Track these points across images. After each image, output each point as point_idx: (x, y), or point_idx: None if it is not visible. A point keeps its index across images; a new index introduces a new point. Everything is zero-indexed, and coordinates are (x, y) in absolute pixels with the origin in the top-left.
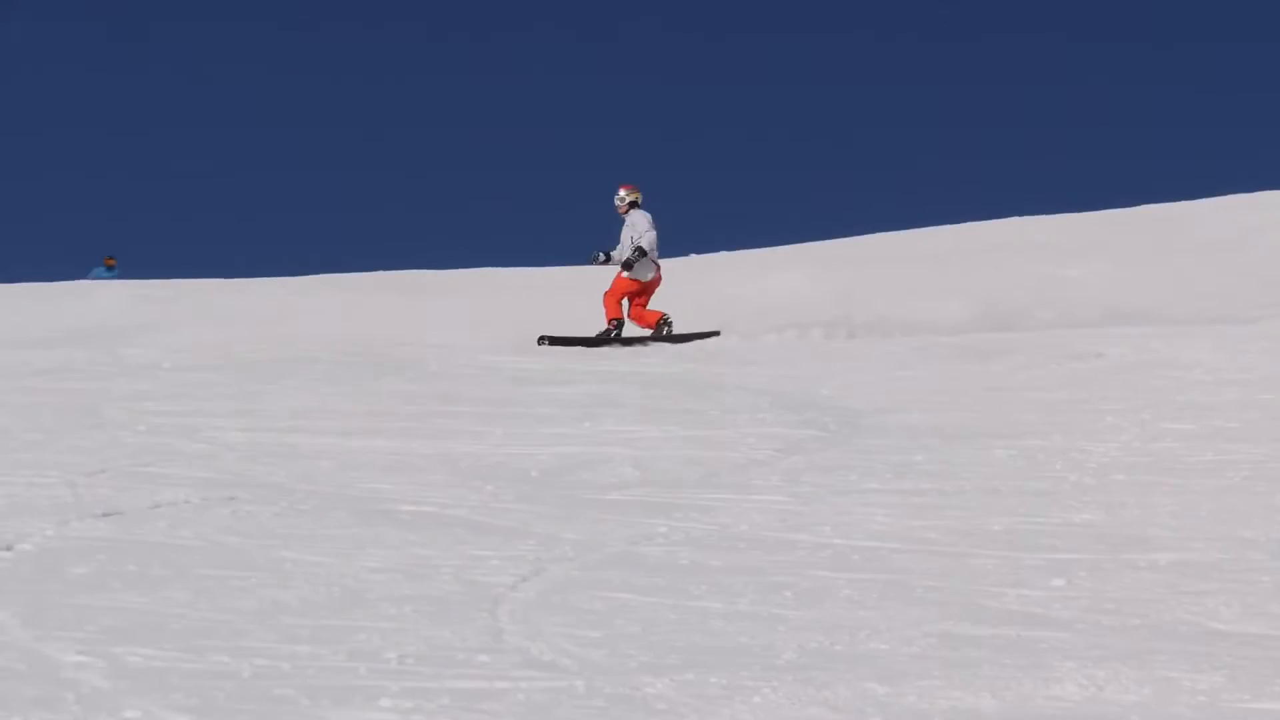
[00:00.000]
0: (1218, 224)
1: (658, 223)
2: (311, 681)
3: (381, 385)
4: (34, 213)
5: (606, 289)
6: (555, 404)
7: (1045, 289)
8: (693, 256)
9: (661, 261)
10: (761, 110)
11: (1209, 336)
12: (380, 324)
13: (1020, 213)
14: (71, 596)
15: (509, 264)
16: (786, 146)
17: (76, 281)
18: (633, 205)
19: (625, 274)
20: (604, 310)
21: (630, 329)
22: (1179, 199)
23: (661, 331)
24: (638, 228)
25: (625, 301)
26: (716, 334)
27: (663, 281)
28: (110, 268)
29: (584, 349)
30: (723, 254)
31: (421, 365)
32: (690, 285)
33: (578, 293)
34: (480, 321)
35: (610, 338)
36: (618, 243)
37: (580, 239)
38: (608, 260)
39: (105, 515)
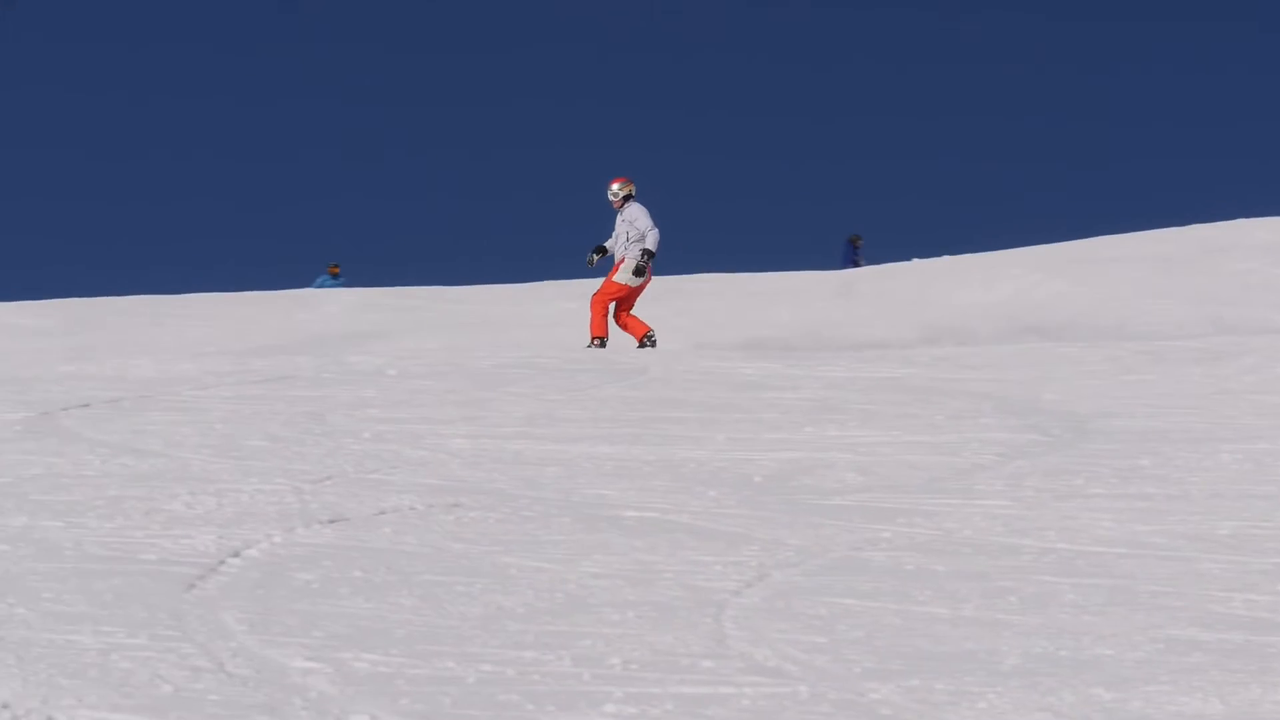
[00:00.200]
0: None
1: (655, 214)
2: (536, 687)
3: (604, 391)
4: (260, 222)
5: (595, 291)
6: (778, 409)
7: (1273, 291)
8: (915, 261)
9: (870, 267)
10: (983, 104)
11: None
12: None
13: (1246, 214)
14: (298, 602)
15: (733, 269)
16: (1008, 145)
17: (302, 290)
18: (627, 199)
19: (632, 280)
20: (590, 318)
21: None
22: None
23: (644, 345)
24: (639, 224)
25: (612, 305)
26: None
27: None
28: (335, 276)
29: None
30: (945, 258)
31: (644, 371)
32: (912, 290)
33: (799, 298)
34: (702, 326)
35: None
36: (611, 234)
37: (807, 241)
38: (603, 253)
39: (331, 522)
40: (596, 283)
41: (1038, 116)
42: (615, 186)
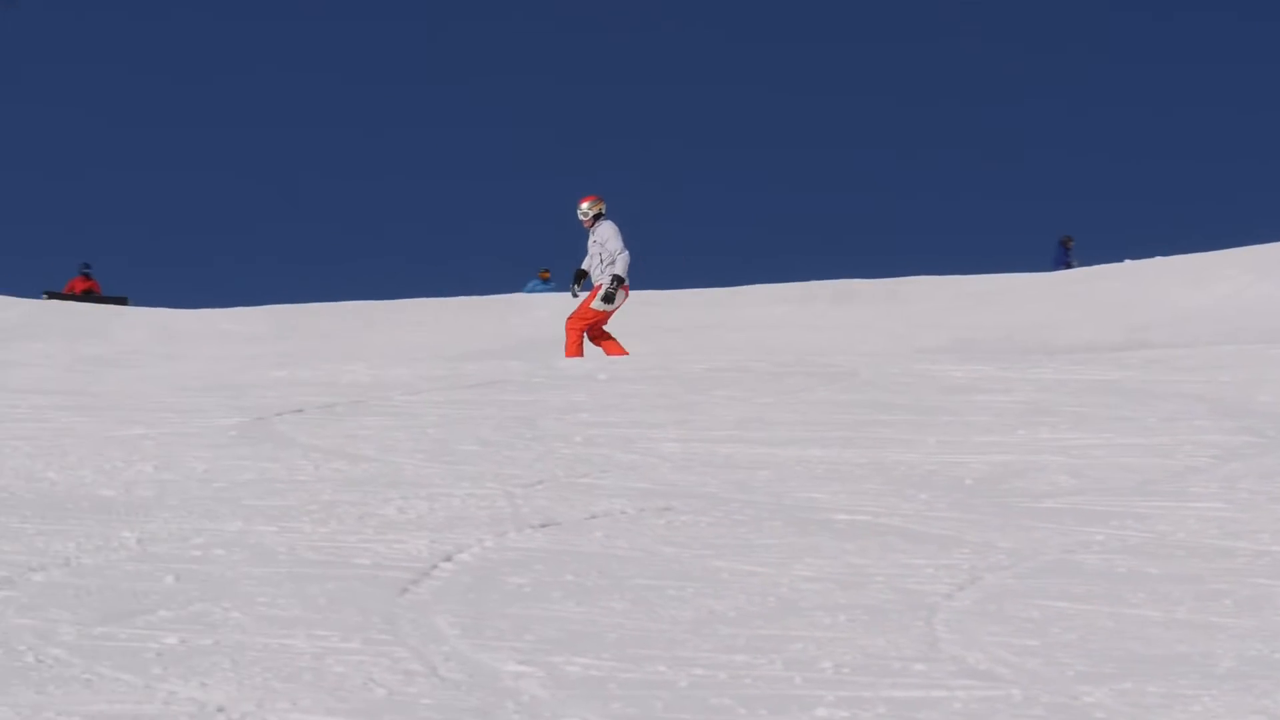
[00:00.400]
0: None
1: (625, 232)
2: (748, 691)
3: (815, 394)
4: (469, 225)
5: (571, 313)
6: (989, 412)
7: None
8: (1127, 262)
9: (1082, 268)
10: (1199, 101)
11: None
12: (813, 333)
13: None
14: (510, 606)
15: (944, 271)
16: (1223, 143)
17: (514, 294)
18: (598, 217)
19: (604, 306)
20: (565, 340)
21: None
22: None
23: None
24: (609, 247)
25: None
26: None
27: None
28: (545, 280)
29: None
30: (1158, 259)
31: (854, 374)
32: (1124, 291)
33: (1010, 300)
34: (913, 329)
35: None
36: (585, 254)
37: (1018, 243)
38: (584, 277)
39: (542, 526)
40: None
41: (1255, 114)
42: (585, 205)
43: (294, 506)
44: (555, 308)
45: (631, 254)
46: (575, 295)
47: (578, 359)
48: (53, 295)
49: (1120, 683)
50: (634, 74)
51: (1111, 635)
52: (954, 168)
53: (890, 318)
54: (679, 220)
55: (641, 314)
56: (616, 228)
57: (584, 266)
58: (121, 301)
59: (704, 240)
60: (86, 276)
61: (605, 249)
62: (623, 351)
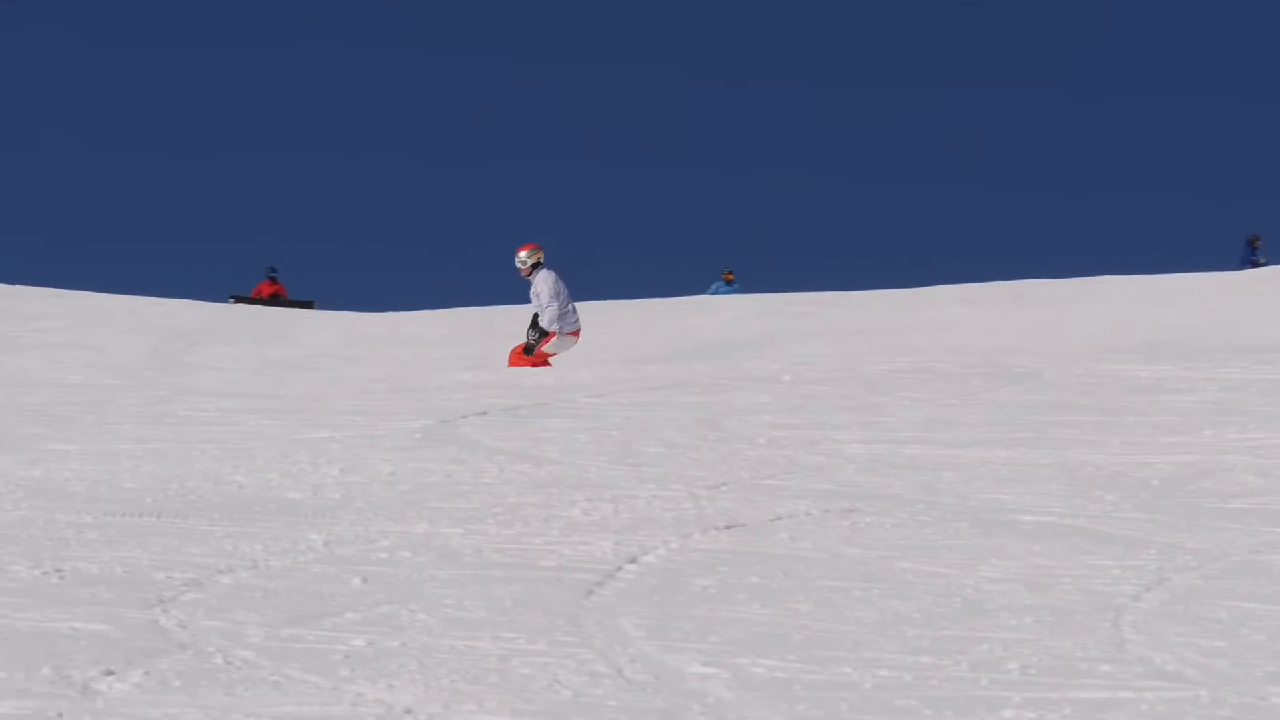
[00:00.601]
0: None
1: (564, 278)
2: (934, 692)
3: (999, 395)
4: (659, 229)
5: (516, 346)
6: (1174, 412)
7: None
8: None
9: (1270, 267)
10: None
11: None
12: (996, 334)
13: None
14: (695, 608)
15: (1130, 271)
16: None
17: (697, 296)
18: (535, 266)
19: (545, 347)
20: (523, 362)
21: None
22: None
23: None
24: (542, 298)
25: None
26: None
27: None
28: (729, 282)
29: None
30: None
31: (1038, 375)
32: None
33: (1196, 299)
34: (1099, 329)
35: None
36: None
37: (1203, 242)
38: (538, 333)
39: (727, 528)
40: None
41: None
42: (523, 254)
43: (479, 509)
44: (739, 309)
45: (560, 305)
46: (529, 340)
47: (522, 369)
48: (240, 299)
49: None
50: (834, 71)
51: None
52: (1135, 165)
53: (1073, 318)
54: (861, 221)
55: (824, 316)
56: (553, 278)
57: (538, 313)
58: (308, 305)
59: (886, 241)
60: (273, 281)
61: (540, 300)
62: (542, 367)
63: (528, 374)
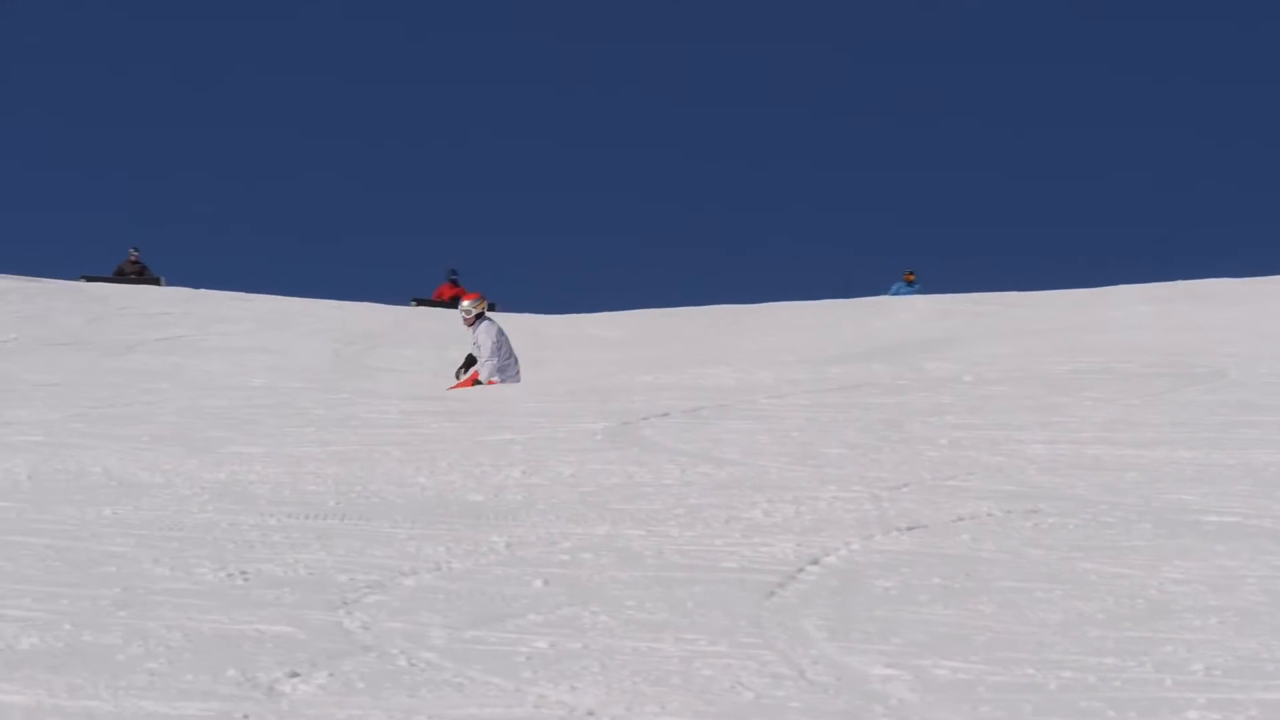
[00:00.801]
0: None
1: (506, 330)
2: (1118, 694)
3: (1182, 395)
4: (839, 229)
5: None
6: None
7: None
8: None
9: None
10: None
11: None
12: (1179, 333)
13: None
14: (877, 609)
15: None
16: None
17: (878, 297)
18: (479, 317)
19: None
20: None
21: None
22: None
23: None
24: (483, 351)
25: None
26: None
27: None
28: (910, 283)
29: None
30: None
31: (1221, 374)
32: None
33: None
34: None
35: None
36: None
37: None
38: (471, 364)
39: (909, 529)
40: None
41: None
42: (467, 304)
43: (661, 510)
44: (920, 310)
45: (501, 359)
46: (458, 377)
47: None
48: (421, 302)
49: None
50: (1020, 63)
51: None
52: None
53: (1257, 318)
54: (1040, 221)
55: (1004, 316)
56: (496, 331)
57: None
58: (489, 307)
59: (1066, 241)
60: (454, 283)
61: (480, 351)
62: (467, 384)
63: (705, 375)
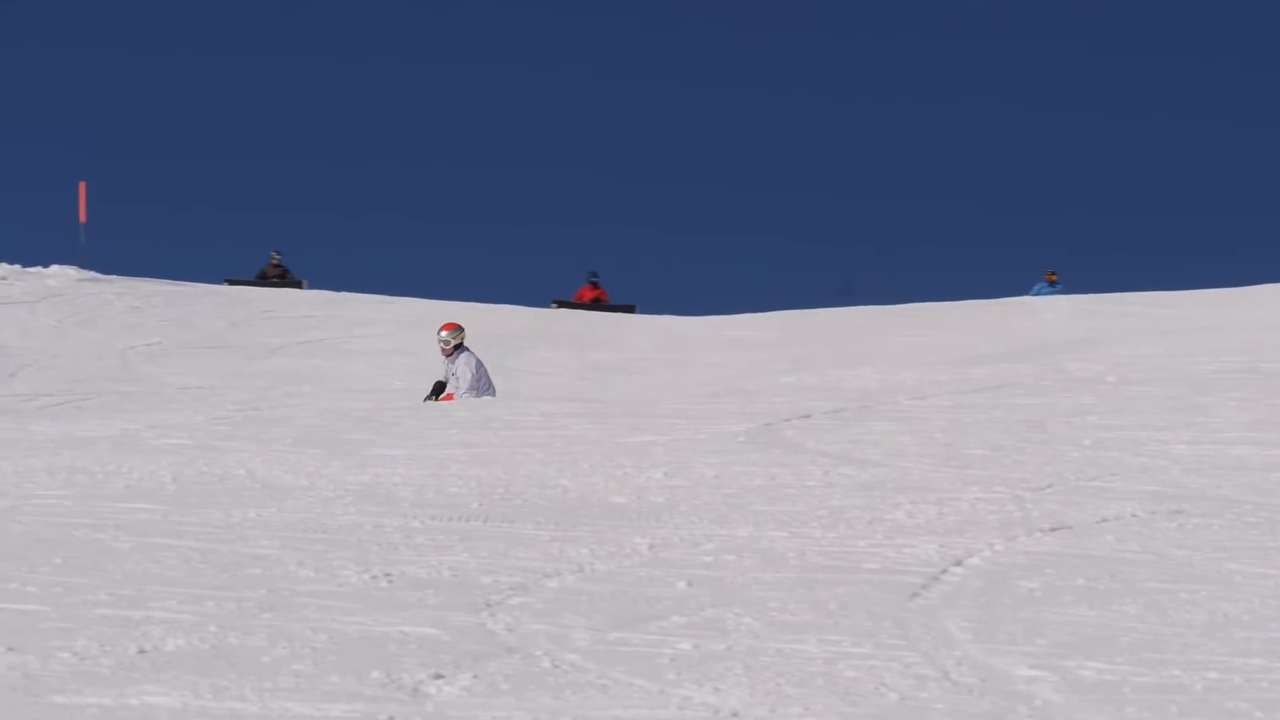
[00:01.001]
0: None
1: (485, 363)
2: (1264, 695)
3: None
4: (981, 229)
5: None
6: None
7: None
8: None
9: None
10: None
11: None
12: None
13: None
14: (1021, 610)
15: None
16: None
17: (1020, 297)
18: (458, 348)
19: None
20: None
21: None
22: None
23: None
24: (461, 384)
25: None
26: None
27: None
28: (1052, 283)
29: None
30: None
31: None
32: None
33: None
34: None
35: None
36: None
37: None
38: (441, 389)
39: (1052, 530)
40: None
41: None
42: (444, 334)
43: (803, 512)
44: (1062, 310)
45: (480, 391)
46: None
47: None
48: (562, 304)
49: None
50: (1175, 56)
51: None
52: None
53: None
54: (1185, 219)
55: (1147, 315)
56: (475, 363)
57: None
58: (629, 309)
59: (1209, 239)
60: (595, 285)
61: (459, 383)
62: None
63: (847, 377)
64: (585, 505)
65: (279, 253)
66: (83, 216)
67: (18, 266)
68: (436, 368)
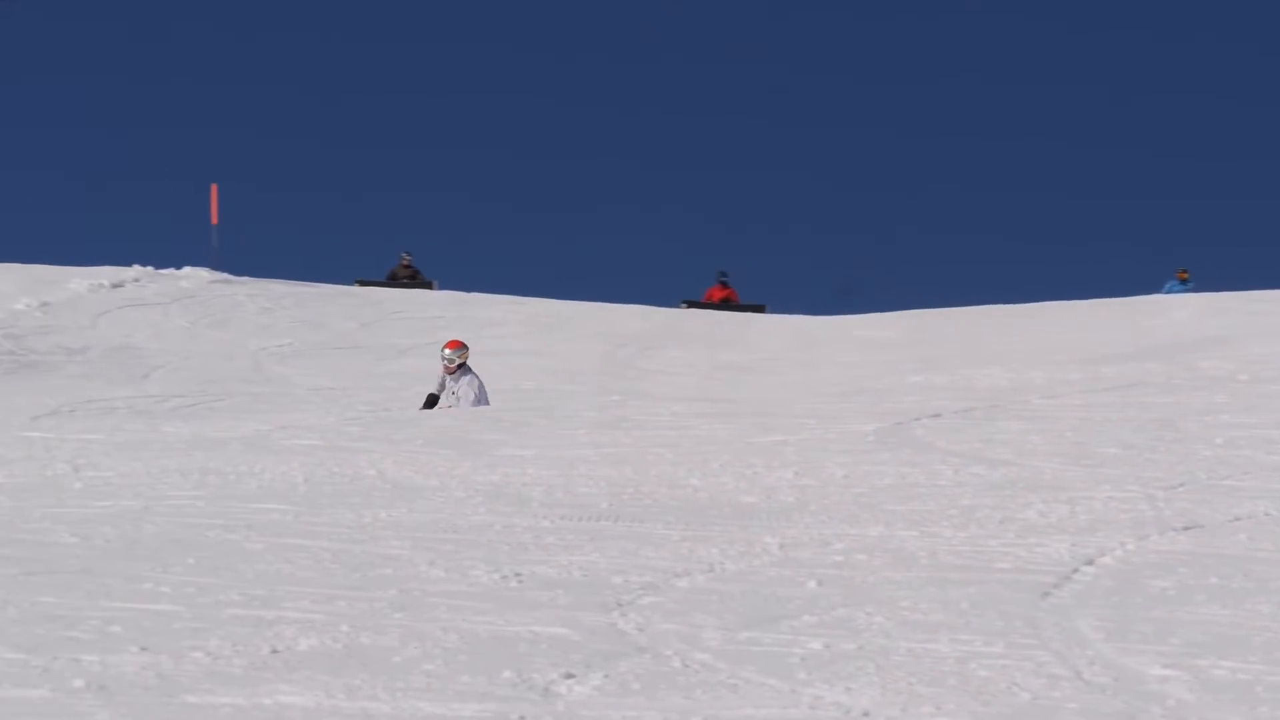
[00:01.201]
0: None
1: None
2: None
3: None
4: (1112, 227)
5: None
6: None
7: None
8: None
9: None
10: None
11: None
12: None
13: None
14: (1154, 609)
15: None
16: None
17: (1151, 295)
18: (461, 367)
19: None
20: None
21: None
22: None
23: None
24: (463, 404)
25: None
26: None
27: None
28: (1184, 281)
29: None
30: None
31: None
32: None
33: None
34: None
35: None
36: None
37: None
38: (434, 402)
39: (1185, 529)
40: None
41: None
42: (449, 352)
43: (934, 511)
44: (1194, 309)
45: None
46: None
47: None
48: (691, 304)
49: None
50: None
51: None
52: None
53: None
54: None
55: (1264, 315)
56: (479, 384)
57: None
58: (759, 309)
59: None
60: (724, 285)
61: (460, 402)
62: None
63: (976, 376)
64: (715, 505)
65: (409, 254)
66: (214, 218)
67: (150, 268)
68: (572, 367)
